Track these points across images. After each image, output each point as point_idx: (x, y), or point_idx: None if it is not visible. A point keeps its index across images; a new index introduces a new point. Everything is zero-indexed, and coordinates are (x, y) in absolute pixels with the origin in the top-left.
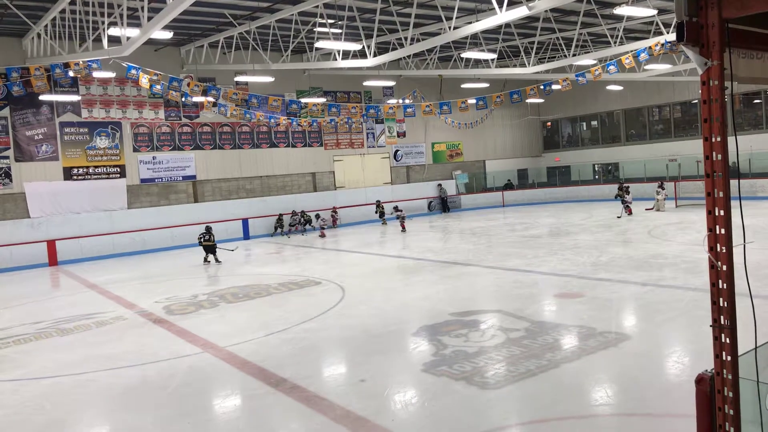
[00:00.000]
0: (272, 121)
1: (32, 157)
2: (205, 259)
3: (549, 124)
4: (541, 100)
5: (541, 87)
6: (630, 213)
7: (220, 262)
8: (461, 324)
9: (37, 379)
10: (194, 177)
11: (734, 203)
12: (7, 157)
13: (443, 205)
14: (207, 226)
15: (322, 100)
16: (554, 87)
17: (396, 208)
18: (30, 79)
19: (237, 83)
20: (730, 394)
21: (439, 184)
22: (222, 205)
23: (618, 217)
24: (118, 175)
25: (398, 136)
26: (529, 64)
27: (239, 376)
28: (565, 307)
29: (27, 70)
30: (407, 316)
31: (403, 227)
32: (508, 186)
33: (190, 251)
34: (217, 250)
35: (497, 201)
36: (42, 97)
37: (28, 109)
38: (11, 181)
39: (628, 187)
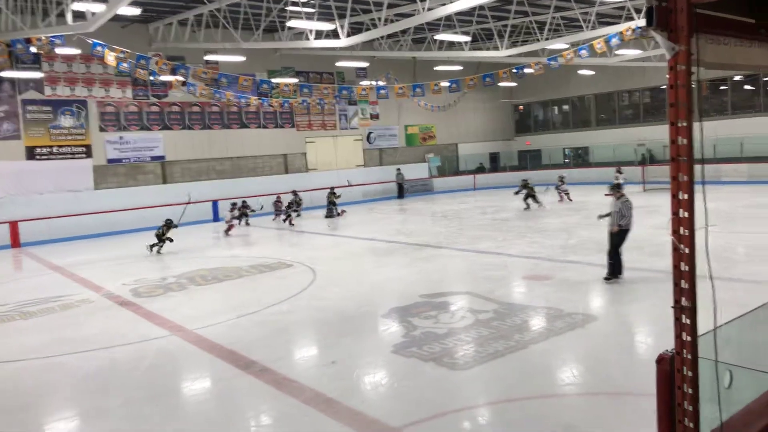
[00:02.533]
0: (243, 101)
1: None
2: (153, 245)
3: (521, 107)
4: (514, 84)
5: (514, 70)
6: (567, 199)
7: (160, 253)
8: (431, 306)
9: (2, 363)
10: (163, 158)
11: (699, 188)
12: None
13: (399, 190)
14: (167, 220)
15: (294, 80)
16: (526, 70)
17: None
18: None
19: (207, 62)
20: (690, 374)
21: (398, 169)
22: (191, 187)
23: (526, 209)
24: (84, 155)
25: (371, 118)
26: (502, 47)
27: (208, 358)
28: (534, 289)
29: None
30: (378, 298)
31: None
32: (480, 169)
33: None
34: (163, 242)
35: (469, 184)
36: (2, 74)
37: None
38: None
39: (564, 176)
